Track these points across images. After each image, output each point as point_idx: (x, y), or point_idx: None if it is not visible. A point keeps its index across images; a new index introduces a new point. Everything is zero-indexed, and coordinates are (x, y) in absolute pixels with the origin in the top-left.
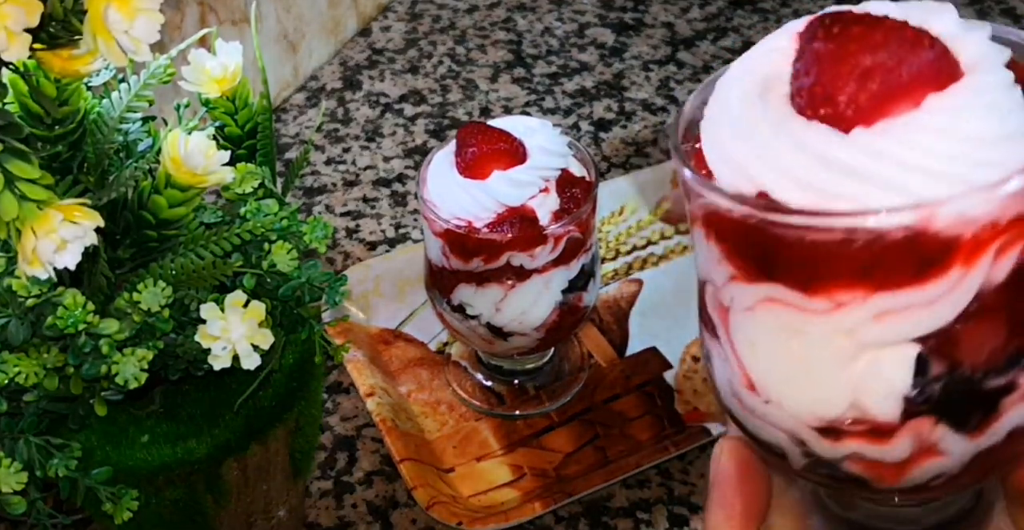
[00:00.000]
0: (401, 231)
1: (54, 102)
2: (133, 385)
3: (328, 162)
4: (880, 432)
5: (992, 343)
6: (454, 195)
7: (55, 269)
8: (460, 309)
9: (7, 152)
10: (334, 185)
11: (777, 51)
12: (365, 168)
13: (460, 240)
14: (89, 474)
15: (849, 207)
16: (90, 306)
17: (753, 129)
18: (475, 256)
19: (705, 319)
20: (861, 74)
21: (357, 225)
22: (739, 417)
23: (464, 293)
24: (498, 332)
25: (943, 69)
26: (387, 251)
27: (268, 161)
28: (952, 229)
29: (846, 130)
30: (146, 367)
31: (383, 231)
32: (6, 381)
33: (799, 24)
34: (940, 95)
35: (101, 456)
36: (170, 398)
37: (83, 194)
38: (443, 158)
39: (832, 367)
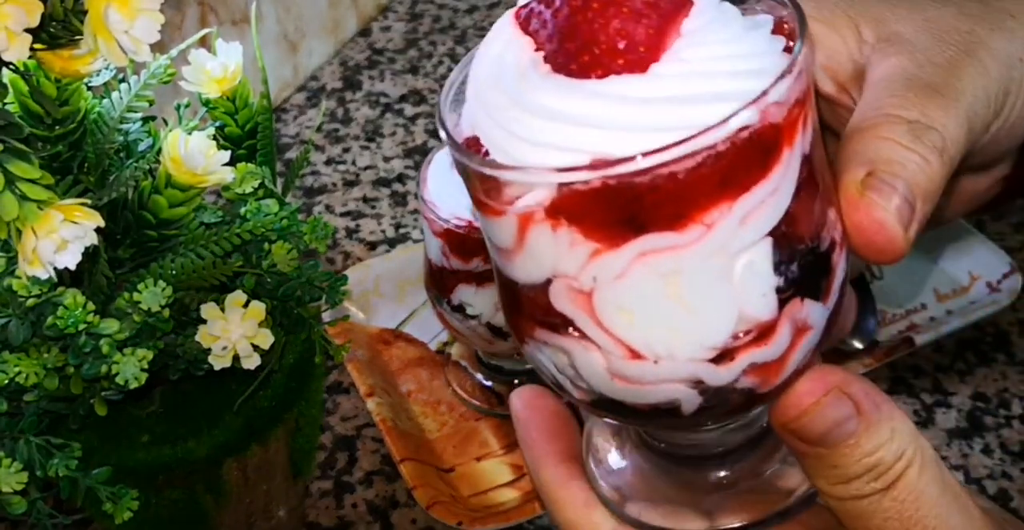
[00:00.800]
0: (401, 231)
1: (54, 102)
2: (133, 385)
3: (328, 162)
4: (765, 331)
5: (814, 210)
6: (454, 195)
7: (55, 269)
8: (460, 309)
9: (7, 152)
10: (334, 185)
11: (506, 41)
12: (365, 168)
13: (460, 240)
14: (89, 474)
15: (697, 127)
16: (90, 306)
17: (545, 106)
18: (475, 256)
19: (544, 325)
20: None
21: (357, 225)
22: (621, 396)
23: (464, 293)
24: (498, 332)
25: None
26: (387, 251)
27: (268, 161)
28: (776, 116)
29: (642, 71)
30: (146, 367)
31: (383, 231)
32: (6, 381)
33: (508, 16)
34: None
35: (101, 456)
36: (170, 398)
37: (83, 194)
38: (443, 158)
39: (715, 289)
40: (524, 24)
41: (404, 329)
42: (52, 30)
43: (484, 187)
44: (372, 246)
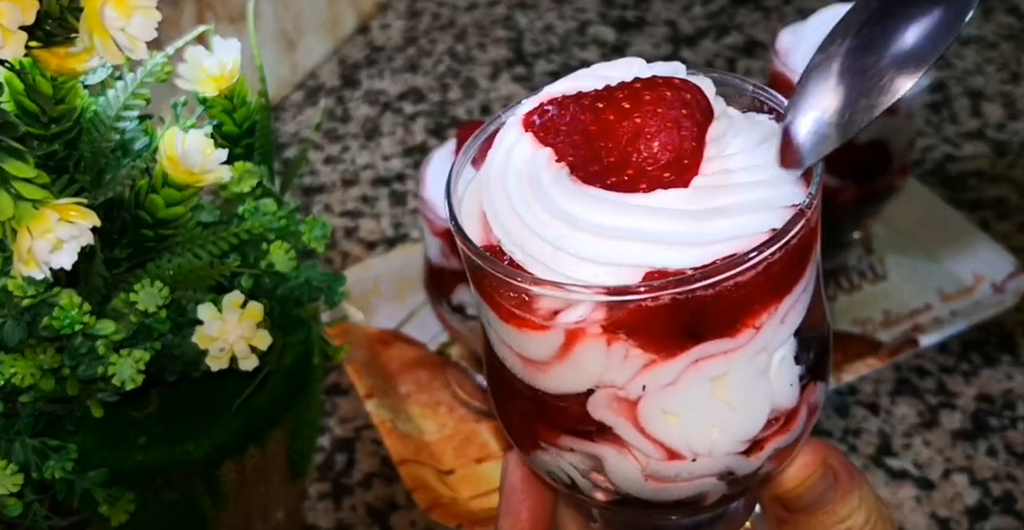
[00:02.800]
0: (400, 231)
1: (50, 100)
2: (130, 386)
3: (327, 161)
4: (790, 418)
5: (821, 299)
6: None
7: (51, 269)
8: (460, 309)
9: (3, 151)
10: (333, 184)
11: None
12: (364, 167)
13: None
14: (86, 476)
15: (747, 236)
16: (86, 307)
17: (592, 221)
18: None
19: (574, 433)
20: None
21: (356, 225)
22: (649, 495)
23: (464, 293)
24: None
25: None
26: (386, 251)
27: (266, 160)
28: (813, 219)
29: (686, 185)
30: (143, 368)
31: (382, 231)
32: (2, 382)
33: (518, 117)
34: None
35: (98, 458)
36: (167, 400)
37: (79, 193)
38: (443, 157)
39: (756, 386)
40: (541, 133)
41: (404, 330)
42: (48, 28)
43: (516, 301)
44: (371, 246)
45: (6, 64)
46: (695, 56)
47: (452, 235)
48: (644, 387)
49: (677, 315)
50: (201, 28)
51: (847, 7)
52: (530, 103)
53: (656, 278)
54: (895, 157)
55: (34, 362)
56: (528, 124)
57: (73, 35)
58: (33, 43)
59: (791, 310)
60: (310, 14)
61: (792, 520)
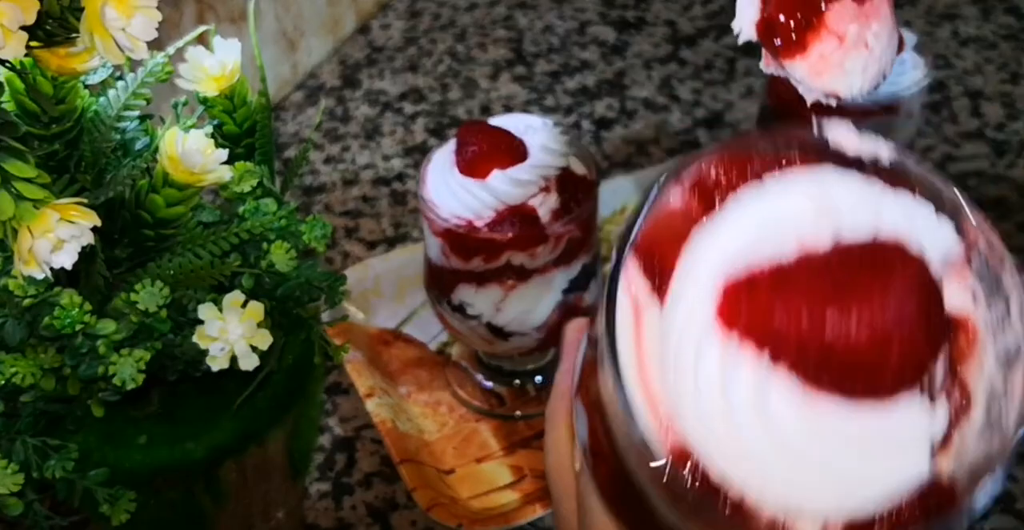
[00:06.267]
0: (401, 230)
1: (51, 100)
2: (131, 386)
3: (327, 161)
4: None
5: None
6: (454, 194)
7: (52, 269)
8: (460, 309)
9: (3, 151)
10: (333, 184)
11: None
12: (364, 167)
13: (460, 240)
14: (86, 475)
15: None
16: (87, 306)
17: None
18: (475, 256)
19: None
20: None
21: (356, 224)
22: None
23: (464, 293)
24: (498, 332)
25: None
26: (386, 251)
27: (266, 160)
28: None
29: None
30: (144, 368)
31: (382, 231)
32: (3, 382)
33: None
34: None
35: (98, 457)
36: (168, 399)
37: (80, 193)
38: (443, 157)
39: None
40: (778, 353)
41: (404, 329)
42: (48, 28)
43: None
44: (371, 246)
45: (7, 64)
46: (695, 56)
47: (452, 235)
48: None
49: None
50: (202, 28)
51: None
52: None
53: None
54: None
55: (35, 362)
56: (730, 322)
57: (74, 35)
58: (34, 43)
59: None
60: (310, 14)
61: None
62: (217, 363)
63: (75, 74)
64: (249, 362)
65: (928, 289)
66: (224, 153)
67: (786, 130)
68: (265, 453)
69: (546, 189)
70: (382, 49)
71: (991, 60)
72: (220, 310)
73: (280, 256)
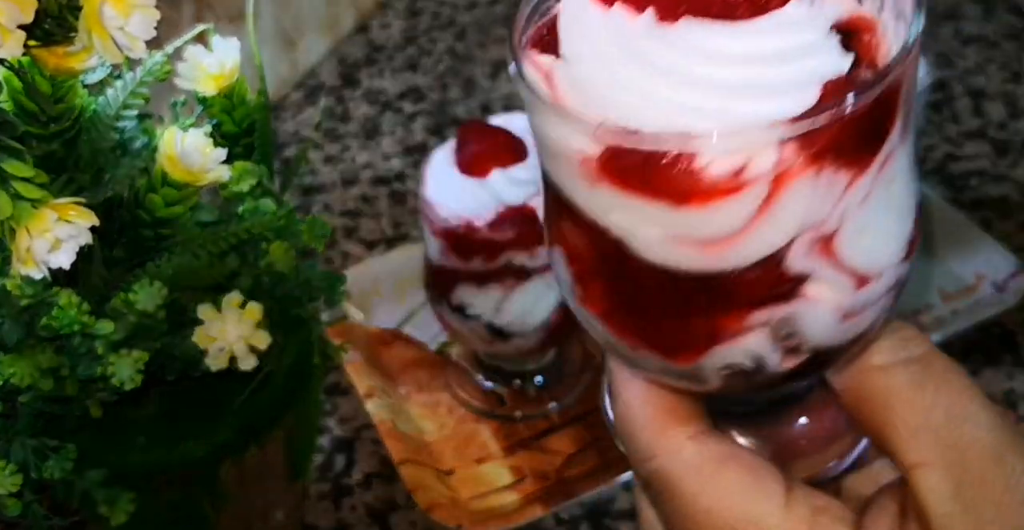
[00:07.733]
0: (400, 230)
1: (49, 99)
2: (129, 386)
3: (326, 160)
4: (918, 217)
5: None
6: (454, 194)
7: (50, 269)
8: (460, 309)
9: (1, 150)
10: (332, 184)
11: None
12: (364, 166)
13: (460, 239)
14: (85, 476)
15: None
16: (85, 306)
17: (750, 53)
18: (475, 256)
19: (764, 303)
20: None
21: (356, 224)
22: (841, 338)
23: (464, 293)
24: (498, 333)
25: None
26: (386, 251)
27: (265, 159)
28: None
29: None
30: (142, 368)
31: (382, 230)
32: (1, 382)
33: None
34: None
35: (97, 458)
36: (167, 400)
37: (78, 193)
38: (443, 156)
39: (911, 184)
40: None
41: (403, 329)
42: (46, 27)
43: (686, 176)
44: (371, 246)
45: (5, 63)
46: None
47: (452, 235)
48: (843, 213)
49: (877, 113)
50: (200, 27)
51: None
52: None
53: (841, 87)
54: None
55: (33, 362)
56: None
57: (72, 34)
58: (32, 42)
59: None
60: (309, 13)
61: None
62: (216, 363)
63: (73, 73)
64: (248, 362)
65: None
66: (223, 152)
67: None
68: (264, 454)
69: None
70: (382, 48)
71: (993, 59)
72: (219, 310)
73: (279, 256)
